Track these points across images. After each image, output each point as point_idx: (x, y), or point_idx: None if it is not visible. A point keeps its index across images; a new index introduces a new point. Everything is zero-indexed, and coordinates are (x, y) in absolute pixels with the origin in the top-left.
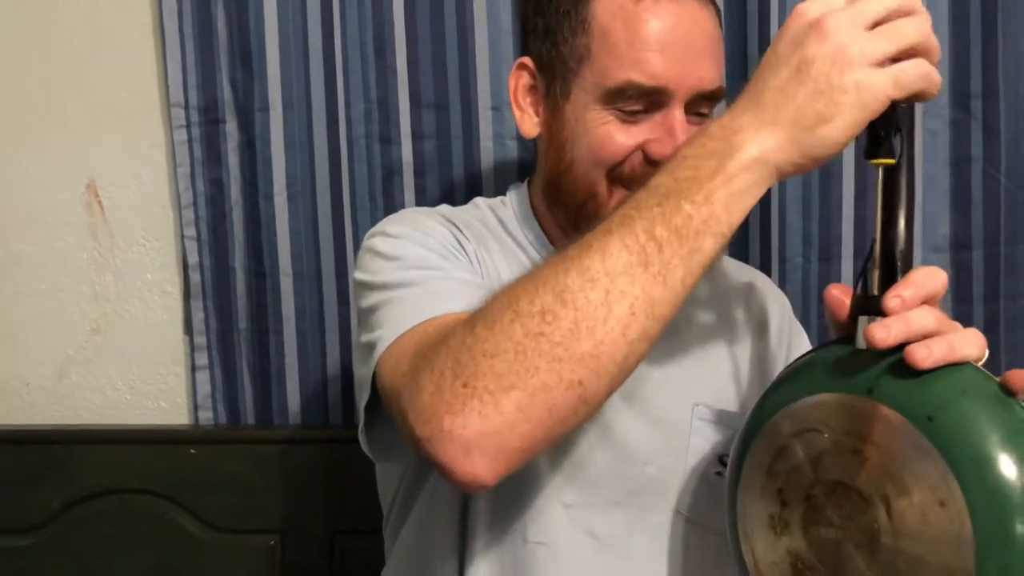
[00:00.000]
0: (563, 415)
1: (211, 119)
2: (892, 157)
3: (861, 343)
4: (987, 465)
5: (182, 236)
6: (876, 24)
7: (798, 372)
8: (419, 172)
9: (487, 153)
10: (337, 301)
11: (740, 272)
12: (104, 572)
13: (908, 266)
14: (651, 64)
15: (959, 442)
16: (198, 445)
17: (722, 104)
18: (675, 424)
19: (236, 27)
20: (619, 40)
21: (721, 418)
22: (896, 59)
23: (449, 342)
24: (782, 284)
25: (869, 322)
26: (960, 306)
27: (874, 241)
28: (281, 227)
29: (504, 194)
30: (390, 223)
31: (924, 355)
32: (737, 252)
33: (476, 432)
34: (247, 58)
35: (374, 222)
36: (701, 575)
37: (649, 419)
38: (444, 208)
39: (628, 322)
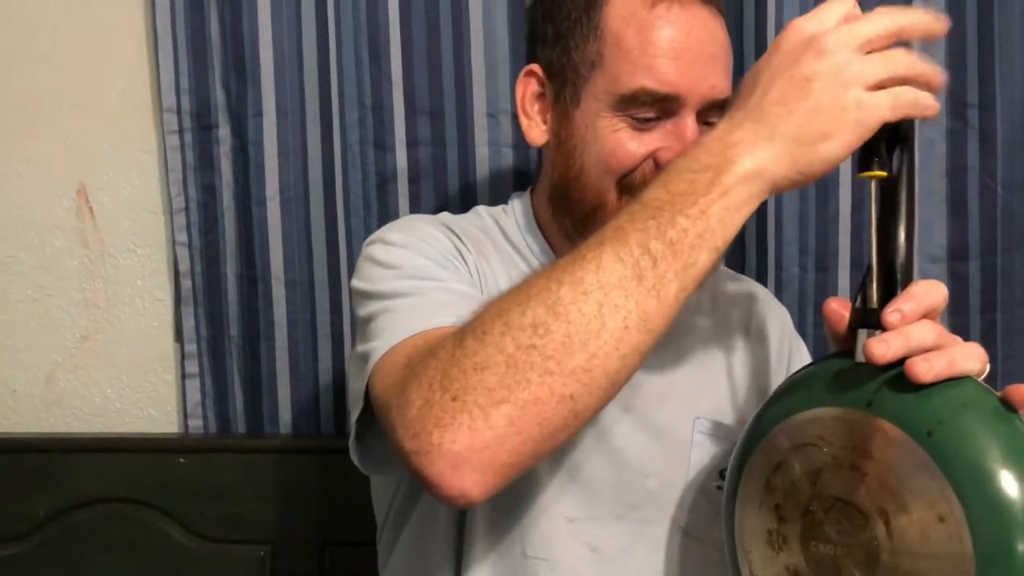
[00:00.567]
0: (553, 429)
1: (204, 124)
2: (885, 170)
3: (860, 356)
4: (987, 481)
5: (173, 242)
6: (867, 45)
7: (797, 385)
8: (414, 179)
9: (482, 160)
10: (330, 308)
11: (740, 284)
12: None
13: (908, 279)
14: (664, 71)
15: (959, 457)
16: (188, 454)
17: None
18: (676, 437)
19: (230, 31)
20: (632, 47)
21: (721, 431)
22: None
23: (439, 355)
24: (779, 294)
25: (869, 335)
26: (956, 317)
27: (871, 254)
28: (274, 233)
29: (500, 202)
30: (390, 230)
31: (925, 369)
32: (734, 262)
33: (465, 447)
34: (240, 63)
35: (368, 229)
36: None
37: (649, 432)
38: (445, 216)
39: (621, 336)
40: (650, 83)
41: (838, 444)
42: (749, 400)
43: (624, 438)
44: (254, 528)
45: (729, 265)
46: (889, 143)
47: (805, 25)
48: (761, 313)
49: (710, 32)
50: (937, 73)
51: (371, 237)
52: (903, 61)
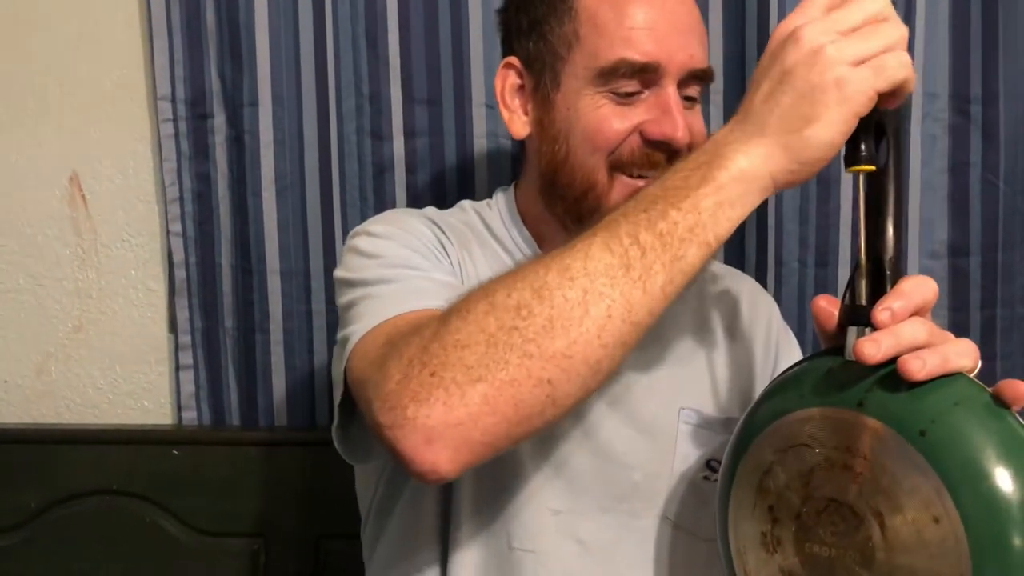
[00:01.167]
0: (529, 412)
1: (199, 113)
2: (872, 164)
3: (851, 354)
4: (981, 479)
5: (167, 232)
6: (846, 30)
7: (787, 384)
8: (411, 169)
9: (480, 150)
10: (325, 300)
11: (730, 277)
12: (83, 574)
13: (898, 275)
14: (642, 41)
15: (952, 457)
16: (181, 446)
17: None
18: (662, 429)
19: (225, 19)
20: (607, 20)
21: (708, 423)
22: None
23: (422, 332)
24: (778, 289)
25: (859, 333)
26: (957, 313)
27: (860, 249)
28: (269, 223)
29: (494, 194)
30: (374, 222)
31: (918, 367)
32: (734, 256)
33: (439, 422)
34: (236, 51)
35: (364, 219)
36: None
37: (635, 424)
38: (430, 210)
39: (604, 324)
40: (629, 54)
41: (830, 444)
42: (735, 391)
43: (610, 431)
44: (248, 520)
45: (728, 260)
46: (875, 136)
47: (789, 21)
48: (750, 306)
49: (683, 4)
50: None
51: (355, 229)
52: (886, 33)
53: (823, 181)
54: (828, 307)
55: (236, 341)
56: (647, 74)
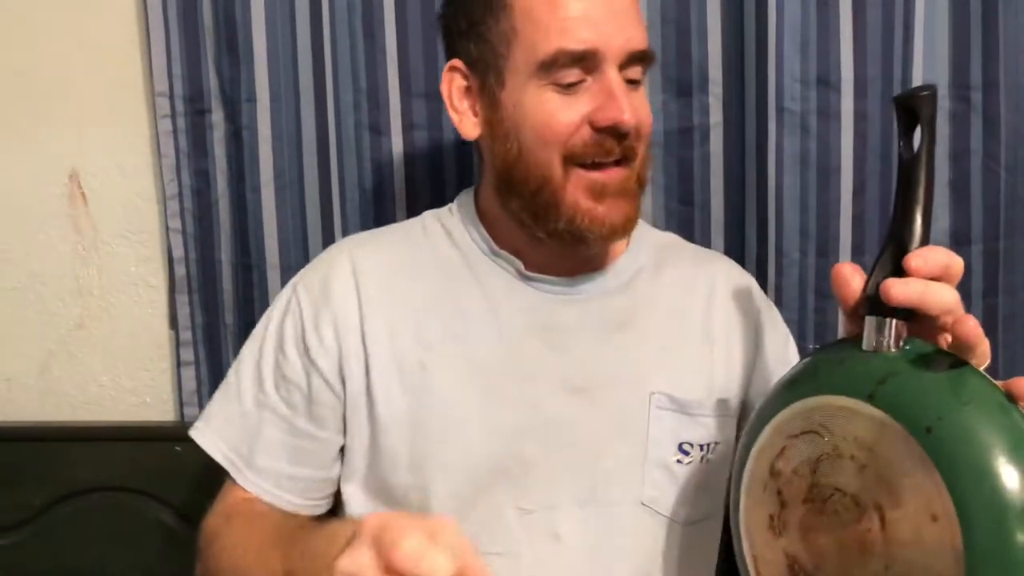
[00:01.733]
0: None
1: (197, 109)
2: (906, 152)
3: (867, 344)
4: (984, 481)
5: (167, 228)
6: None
7: (805, 371)
8: (410, 163)
9: None
10: None
11: (706, 259)
12: (86, 571)
13: None
14: (578, 28)
15: (956, 457)
16: (184, 442)
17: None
18: (631, 415)
19: (222, 14)
20: (542, 13)
21: (679, 405)
22: None
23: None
24: (779, 279)
25: (878, 324)
26: None
27: (888, 237)
28: (268, 219)
29: (456, 198)
30: (280, 301)
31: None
32: (734, 246)
33: None
34: (234, 46)
35: (363, 214)
36: (670, 566)
37: (601, 413)
38: (359, 252)
39: None
40: (566, 43)
41: (839, 434)
42: (709, 373)
43: (574, 422)
44: None
45: (729, 250)
46: (907, 123)
47: (370, 527)
48: (724, 285)
49: None
50: None
51: (293, 286)
52: None
53: (823, 170)
54: (849, 277)
55: (237, 337)
56: (587, 61)
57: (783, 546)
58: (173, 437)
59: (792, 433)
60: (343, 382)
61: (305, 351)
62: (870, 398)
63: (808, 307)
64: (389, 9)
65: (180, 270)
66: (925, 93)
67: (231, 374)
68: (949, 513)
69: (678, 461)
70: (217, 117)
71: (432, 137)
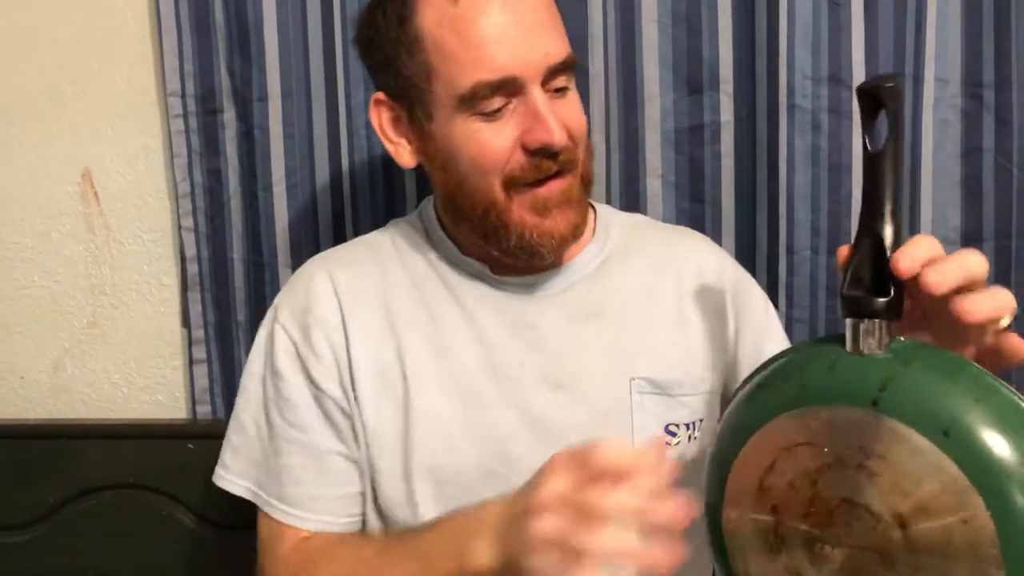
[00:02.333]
0: None
1: (209, 108)
2: (871, 143)
3: (854, 347)
4: (1015, 473)
5: (179, 227)
6: (580, 508)
7: (782, 377)
8: None
9: None
10: None
11: (677, 236)
12: (100, 569)
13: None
14: (491, 58)
15: (980, 456)
16: (196, 440)
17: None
18: (614, 404)
19: (234, 14)
20: (453, 46)
21: (660, 387)
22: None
23: None
24: (790, 276)
25: (856, 325)
26: None
27: (862, 235)
28: (280, 218)
29: (421, 204)
30: (263, 333)
31: (938, 280)
32: (745, 244)
33: None
34: (245, 46)
35: (374, 213)
36: None
37: (583, 406)
38: (334, 270)
39: None
40: (482, 75)
41: (841, 444)
42: (686, 351)
43: (557, 418)
44: None
45: (740, 248)
46: (871, 113)
47: (557, 459)
48: (695, 261)
49: (524, 2)
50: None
51: (275, 310)
52: (581, 548)
53: (834, 168)
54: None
55: (249, 335)
56: (507, 87)
57: (784, 563)
58: (185, 435)
59: (784, 446)
60: (347, 396)
61: (306, 371)
62: (874, 405)
63: (819, 305)
64: None
65: (192, 268)
66: (890, 85)
67: (234, 422)
68: (980, 514)
69: (667, 444)
70: (229, 116)
71: None
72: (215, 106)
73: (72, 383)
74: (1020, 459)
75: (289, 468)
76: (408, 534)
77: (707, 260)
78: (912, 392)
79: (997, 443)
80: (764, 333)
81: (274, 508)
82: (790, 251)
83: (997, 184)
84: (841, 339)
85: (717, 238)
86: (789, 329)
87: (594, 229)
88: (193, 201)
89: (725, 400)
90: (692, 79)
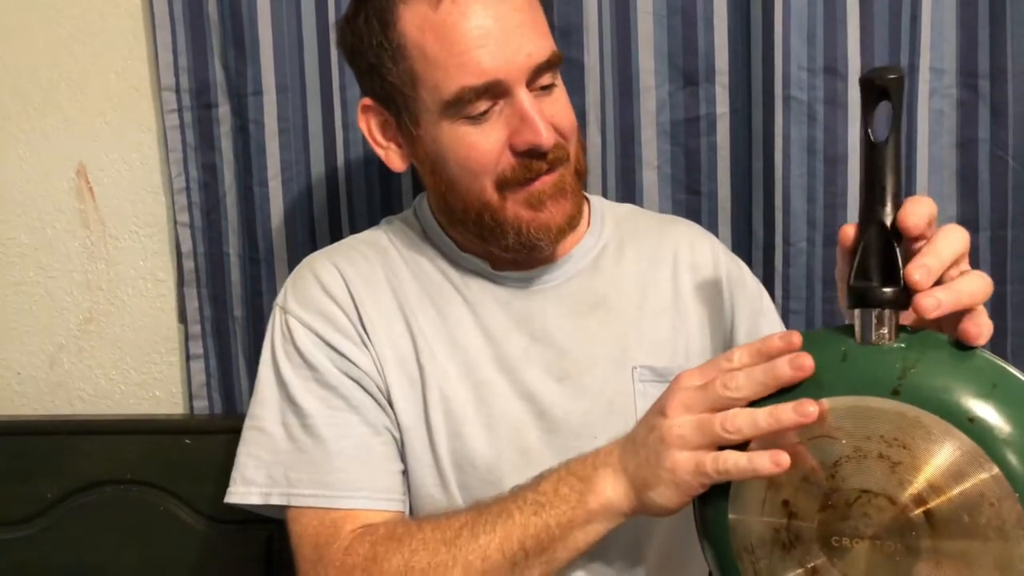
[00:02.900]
0: None
1: (203, 103)
2: (871, 133)
3: (871, 338)
4: None
5: (175, 222)
6: (715, 407)
7: None
8: None
9: None
10: None
11: (670, 225)
12: (99, 564)
13: (904, 250)
14: (475, 62)
15: (1005, 440)
16: (193, 435)
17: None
18: (617, 393)
19: (228, 8)
20: (436, 52)
21: (661, 375)
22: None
23: None
24: (786, 268)
25: (865, 316)
26: None
27: (866, 225)
28: (276, 213)
29: (416, 201)
30: (275, 330)
31: (932, 305)
32: (741, 236)
33: None
34: (239, 40)
35: (370, 207)
36: (666, 533)
37: (589, 396)
38: (340, 260)
39: None
40: (467, 80)
41: (860, 435)
42: (685, 338)
43: (566, 408)
44: None
45: (736, 239)
46: (874, 104)
47: (682, 378)
48: (688, 249)
49: (506, 3)
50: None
51: (281, 309)
52: (735, 425)
53: (830, 159)
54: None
55: (245, 330)
56: (493, 91)
57: (799, 558)
58: (182, 430)
59: (797, 440)
60: (379, 372)
61: (338, 353)
62: (895, 394)
63: (815, 296)
64: None
65: (188, 264)
66: (894, 76)
67: (253, 434)
68: (1007, 495)
69: None
70: (224, 111)
71: None
72: (210, 101)
73: (69, 379)
74: None
75: (341, 453)
76: (492, 500)
77: (700, 248)
78: (932, 380)
79: (1019, 425)
80: (759, 318)
81: (326, 499)
82: (786, 242)
83: (992, 174)
84: (844, 330)
85: (713, 229)
86: (785, 320)
87: (589, 221)
88: (188, 196)
89: None
90: (687, 71)
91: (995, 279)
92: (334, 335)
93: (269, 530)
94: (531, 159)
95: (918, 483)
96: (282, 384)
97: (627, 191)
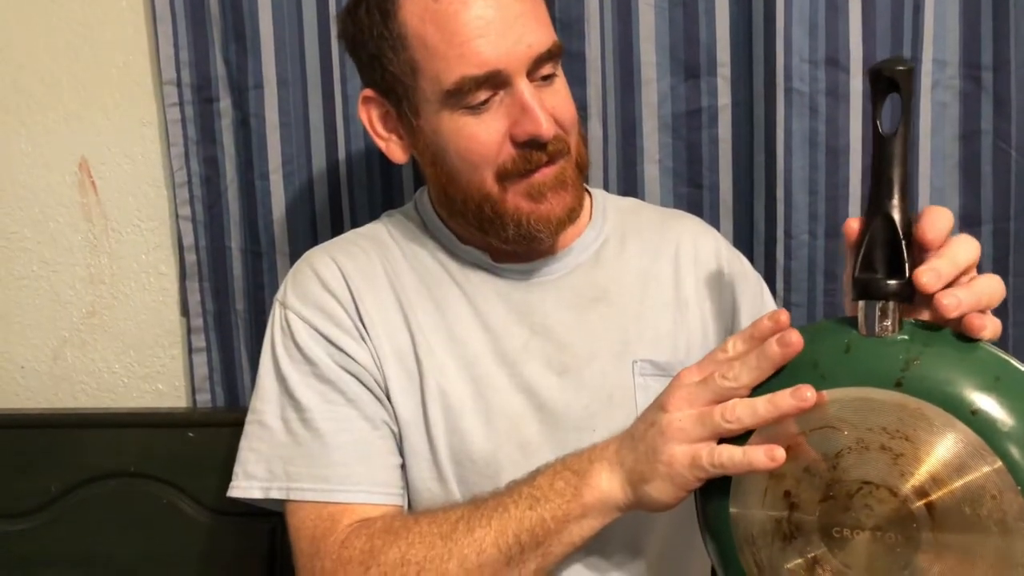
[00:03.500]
0: None
1: (204, 97)
2: (879, 124)
3: (875, 329)
4: None
5: (177, 216)
6: (716, 399)
7: (796, 363)
8: None
9: None
10: None
11: (673, 220)
12: (102, 556)
13: (911, 244)
14: (476, 52)
15: (1008, 432)
16: (196, 428)
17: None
18: (618, 387)
19: (229, 2)
20: (437, 42)
21: (662, 369)
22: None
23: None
24: (787, 261)
25: (870, 307)
26: None
27: (873, 217)
28: (277, 206)
29: (416, 195)
30: (274, 325)
31: (953, 304)
32: (743, 229)
33: None
34: (241, 33)
35: (371, 200)
36: (669, 532)
37: (589, 390)
38: (340, 256)
39: None
40: (468, 69)
41: (863, 426)
42: (686, 332)
43: (566, 402)
44: None
45: (738, 232)
46: (883, 96)
47: (683, 374)
48: (691, 244)
49: None
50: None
51: (281, 304)
52: (724, 423)
53: (831, 151)
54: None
55: (247, 323)
56: (493, 81)
57: (799, 549)
58: (185, 423)
59: (798, 431)
60: (377, 366)
61: (337, 348)
62: (898, 385)
63: (817, 289)
64: None
65: (190, 257)
66: (903, 68)
67: (255, 428)
68: (1008, 487)
69: None
70: (225, 104)
71: None
72: (211, 94)
73: (72, 372)
74: None
75: (339, 447)
76: (489, 495)
77: (703, 242)
78: (936, 372)
79: (1022, 418)
80: (761, 312)
81: (324, 493)
82: (788, 235)
83: (995, 166)
84: (848, 322)
85: (715, 223)
86: None
87: (591, 214)
88: (190, 190)
89: None
90: (689, 63)
91: (997, 272)
92: (332, 330)
93: (272, 522)
94: (531, 150)
95: (920, 475)
96: (281, 379)
97: (628, 184)
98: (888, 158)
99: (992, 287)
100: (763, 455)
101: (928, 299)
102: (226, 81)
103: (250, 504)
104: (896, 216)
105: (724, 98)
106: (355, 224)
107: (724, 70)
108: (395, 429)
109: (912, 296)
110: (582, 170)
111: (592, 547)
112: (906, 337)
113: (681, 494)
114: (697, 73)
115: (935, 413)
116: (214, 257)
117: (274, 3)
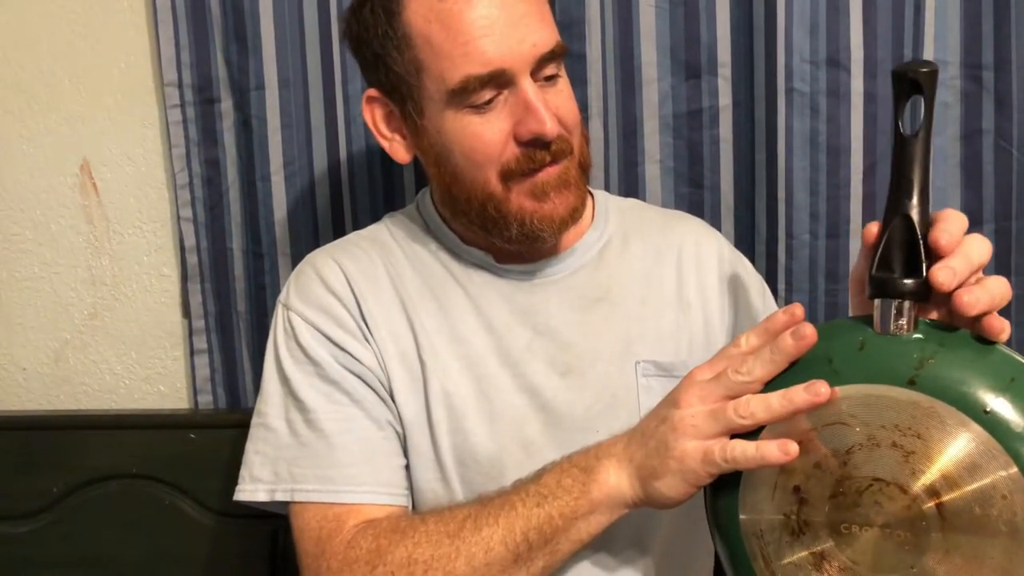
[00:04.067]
0: None
1: (206, 98)
2: (900, 126)
3: (890, 328)
4: None
5: (178, 218)
6: (729, 395)
7: (810, 360)
8: None
9: None
10: None
11: (675, 221)
12: (104, 557)
13: (927, 244)
14: (480, 51)
15: (1021, 433)
16: (198, 429)
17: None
18: (620, 388)
19: (230, 3)
20: (442, 41)
21: (664, 369)
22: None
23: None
24: (789, 261)
25: (886, 306)
26: None
27: (892, 216)
28: (279, 207)
29: (418, 196)
30: (277, 327)
31: (972, 301)
32: (744, 229)
33: None
34: (241, 35)
35: (373, 201)
36: (675, 528)
37: (593, 390)
38: (344, 260)
39: None
40: (472, 68)
41: (875, 423)
42: (689, 333)
43: (569, 402)
44: None
45: (739, 232)
46: (906, 97)
47: (695, 372)
48: (693, 245)
49: None
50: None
51: (284, 306)
52: (737, 418)
53: (833, 151)
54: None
55: (249, 324)
56: (497, 80)
57: (807, 544)
58: (187, 424)
59: (810, 426)
60: (381, 366)
61: (340, 348)
62: (911, 384)
63: (819, 289)
64: None
65: (192, 259)
66: (927, 70)
67: (260, 431)
68: (1020, 489)
69: None
70: (226, 106)
71: None
72: (212, 96)
73: (74, 374)
74: None
75: (344, 448)
76: (495, 493)
77: (705, 244)
78: (950, 371)
79: None
80: (762, 314)
81: (329, 493)
82: (789, 235)
83: (997, 166)
84: (863, 320)
85: (716, 223)
86: None
87: (593, 215)
88: (192, 191)
89: None
90: (690, 63)
91: (998, 272)
92: (336, 330)
93: (275, 524)
94: (535, 149)
95: (930, 473)
96: (285, 380)
97: (630, 184)
98: (909, 159)
99: (1002, 287)
100: (776, 450)
101: (943, 299)
102: (227, 82)
103: (254, 506)
104: (915, 216)
105: (725, 98)
106: (356, 225)
107: (725, 70)
108: (399, 430)
109: (928, 296)
110: (585, 170)
111: (598, 544)
112: (921, 336)
113: (691, 490)
114: (698, 73)
115: (948, 412)
116: (215, 258)
117: (275, 4)
